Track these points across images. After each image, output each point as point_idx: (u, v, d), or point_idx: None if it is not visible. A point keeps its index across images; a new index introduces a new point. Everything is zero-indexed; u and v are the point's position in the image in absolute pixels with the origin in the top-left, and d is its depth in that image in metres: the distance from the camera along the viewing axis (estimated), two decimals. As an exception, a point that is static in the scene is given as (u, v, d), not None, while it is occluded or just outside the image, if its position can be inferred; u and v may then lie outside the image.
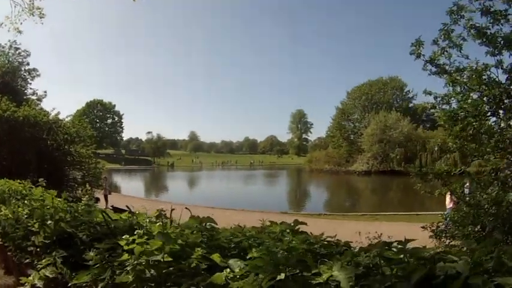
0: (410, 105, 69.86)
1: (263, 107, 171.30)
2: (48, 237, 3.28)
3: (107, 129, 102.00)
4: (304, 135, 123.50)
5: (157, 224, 2.96)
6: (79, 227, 3.29)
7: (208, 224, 2.84)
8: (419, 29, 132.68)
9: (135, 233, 2.40)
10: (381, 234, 6.13)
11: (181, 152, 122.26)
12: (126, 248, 2.28)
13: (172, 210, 3.42)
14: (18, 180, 8.42)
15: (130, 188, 40.81)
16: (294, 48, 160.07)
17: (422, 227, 7.18)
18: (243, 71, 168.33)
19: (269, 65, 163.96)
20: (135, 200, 25.01)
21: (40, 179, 4.88)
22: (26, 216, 4.01)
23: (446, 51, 8.38)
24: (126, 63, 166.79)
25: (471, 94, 8.07)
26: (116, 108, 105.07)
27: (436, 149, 46.06)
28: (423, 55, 8.51)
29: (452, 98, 8.57)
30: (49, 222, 3.38)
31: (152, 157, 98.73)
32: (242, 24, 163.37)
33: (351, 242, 2.44)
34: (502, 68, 7.90)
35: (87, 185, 18.20)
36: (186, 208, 3.47)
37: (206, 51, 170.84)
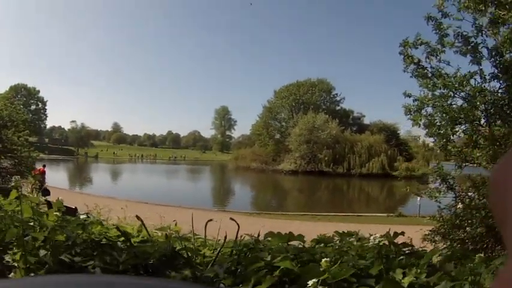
0: (338, 108, 72.58)
1: (187, 101, 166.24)
2: (33, 272, 2.14)
3: (30, 115, 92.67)
4: (227, 132, 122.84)
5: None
6: (71, 249, 2.26)
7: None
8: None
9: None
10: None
11: (104, 143, 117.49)
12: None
13: (209, 221, 2.85)
14: None
15: (55, 180, 38.57)
16: (222, 46, 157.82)
17: (431, 231, 7.00)
18: (167, 62, 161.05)
19: (193, 59, 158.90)
20: (60, 192, 22.27)
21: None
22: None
23: (432, 54, 8.61)
24: (49, 44, 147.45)
25: (454, 99, 8.38)
26: (40, 94, 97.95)
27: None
28: (411, 56, 8.55)
29: (430, 102, 8.93)
30: (42, 252, 2.18)
31: (76, 147, 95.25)
32: (165, 18, 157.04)
33: None
34: (482, 78, 8.27)
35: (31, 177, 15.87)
36: (231, 219, 2.75)
37: (129, 41, 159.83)
